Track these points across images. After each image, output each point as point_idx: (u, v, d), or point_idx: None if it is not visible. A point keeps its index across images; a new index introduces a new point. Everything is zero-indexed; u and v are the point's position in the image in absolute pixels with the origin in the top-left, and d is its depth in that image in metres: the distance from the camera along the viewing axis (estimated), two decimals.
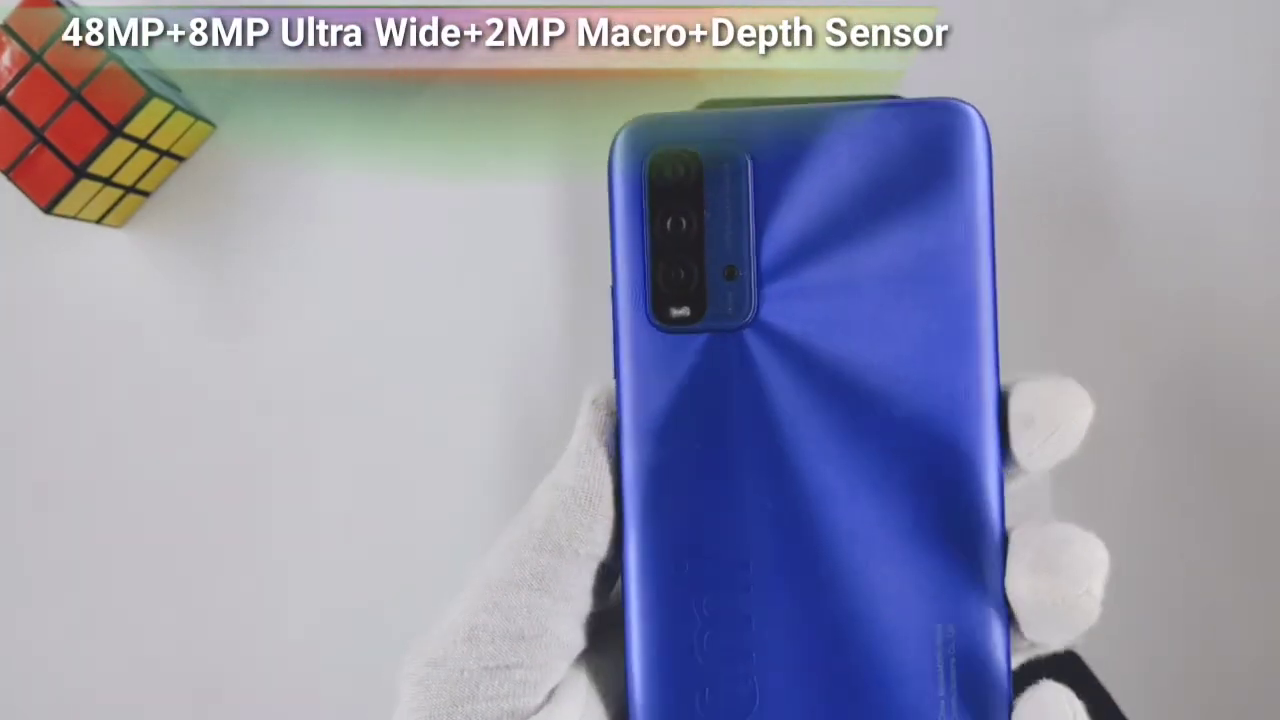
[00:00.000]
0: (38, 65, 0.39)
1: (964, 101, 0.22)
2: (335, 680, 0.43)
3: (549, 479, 0.20)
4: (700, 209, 0.21)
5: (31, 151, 0.39)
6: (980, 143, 0.21)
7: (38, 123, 0.39)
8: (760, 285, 0.20)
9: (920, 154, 0.21)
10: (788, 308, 0.20)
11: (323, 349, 0.44)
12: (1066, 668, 0.31)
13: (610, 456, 0.20)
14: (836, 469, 0.20)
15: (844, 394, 0.20)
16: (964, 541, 0.20)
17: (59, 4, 0.39)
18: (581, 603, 0.20)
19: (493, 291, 0.43)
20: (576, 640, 0.20)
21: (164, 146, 0.42)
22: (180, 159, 0.44)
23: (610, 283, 0.21)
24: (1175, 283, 0.43)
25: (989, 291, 0.20)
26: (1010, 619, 0.20)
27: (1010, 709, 0.20)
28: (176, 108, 0.41)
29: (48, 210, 0.40)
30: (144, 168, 0.42)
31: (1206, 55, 0.44)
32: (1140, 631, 0.43)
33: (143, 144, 0.41)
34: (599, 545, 0.20)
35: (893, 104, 0.21)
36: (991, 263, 0.20)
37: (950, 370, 0.20)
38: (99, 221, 0.43)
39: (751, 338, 0.20)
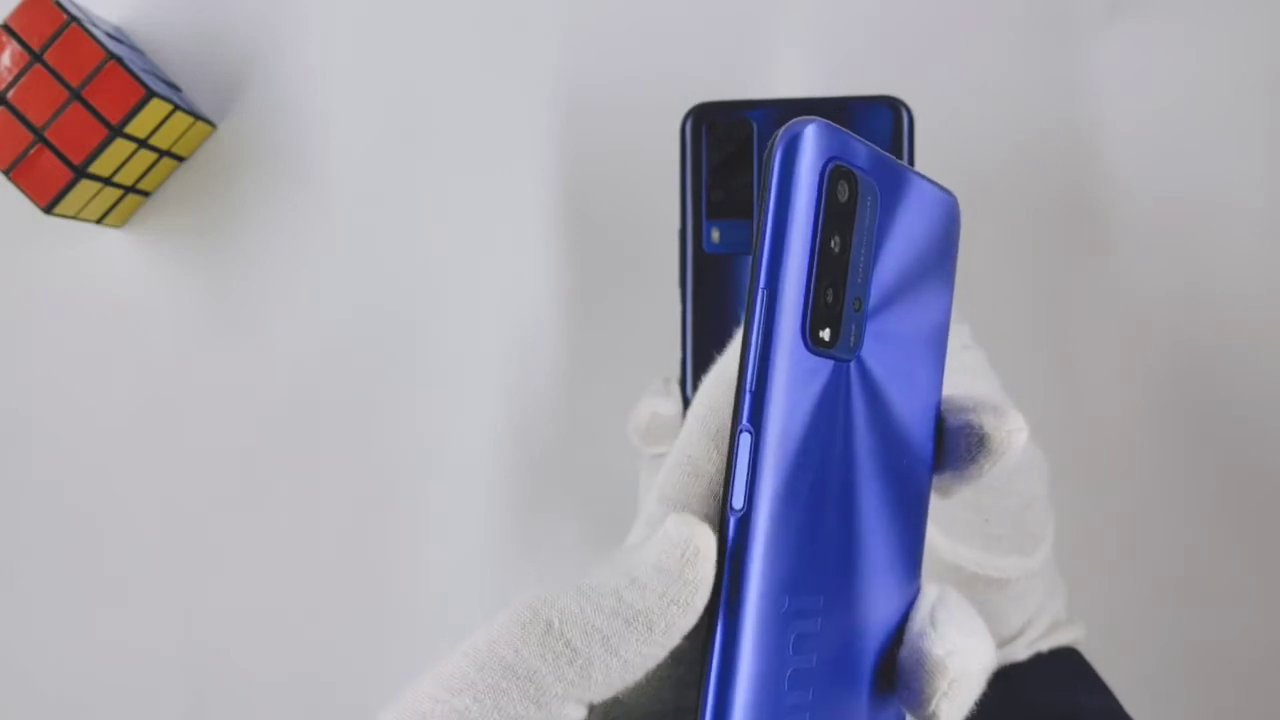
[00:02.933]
0: (38, 65, 0.39)
1: (952, 195, 0.23)
2: (335, 680, 0.43)
3: (630, 613, 0.18)
4: (850, 234, 0.20)
5: (31, 151, 0.39)
6: (957, 240, 0.23)
7: (38, 123, 0.39)
8: (866, 320, 0.20)
9: (944, 231, 0.22)
10: (875, 348, 0.21)
11: (322, 348, 0.44)
12: (1068, 665, 0.31)
13: (703, 609, 0.18)
14: (876, 505, 0.21)
15: (885, 437, 0.21)
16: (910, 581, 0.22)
17: (59, 4, 0.39)
18: (602, 693, 0.19)
19: (493, 291, 0.43)
20: (580, 719, 0.19)
21: (164, 146, 0.42)
22: (180, 159, 0.44)
23: (756, 290, 0.20)
24: (1174, 281, 0.43)
25: (942, 372, 0.22)
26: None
27: None
28: (176, 108, 0.41)
29: (48, 210, 0.40)
30: (144, 168, 0.42)
31: (1206, 55, 0.44)
32: (1140, 630, 0.43)
33: (143, 144, 0.41)
34: (655, 664, 0.19)
35: (924, 180, 0.22)
36: (944, 351, 0.22)
37: (926, 426, 0.22)
38: (99, 221, 0.43)
39: (854, 371, 0.20)
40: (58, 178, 0.39)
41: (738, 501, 0.19)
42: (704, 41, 0.44)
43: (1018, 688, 0.30)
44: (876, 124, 0.34)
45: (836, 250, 0.20)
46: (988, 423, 0.21)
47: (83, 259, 0.44)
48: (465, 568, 0.43)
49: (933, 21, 0.44)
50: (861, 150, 0.20)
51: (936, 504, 0.30)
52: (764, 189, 0.20)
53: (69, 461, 0.44)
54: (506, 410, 0.43)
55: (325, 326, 0.44)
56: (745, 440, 0.19)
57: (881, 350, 0.21)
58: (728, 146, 0.35)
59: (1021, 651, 0.30)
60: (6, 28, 0.39)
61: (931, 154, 0.42)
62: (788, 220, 0.19)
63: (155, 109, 0.40)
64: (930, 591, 0.21)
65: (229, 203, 0.44)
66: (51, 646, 0.44)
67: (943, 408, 0.22)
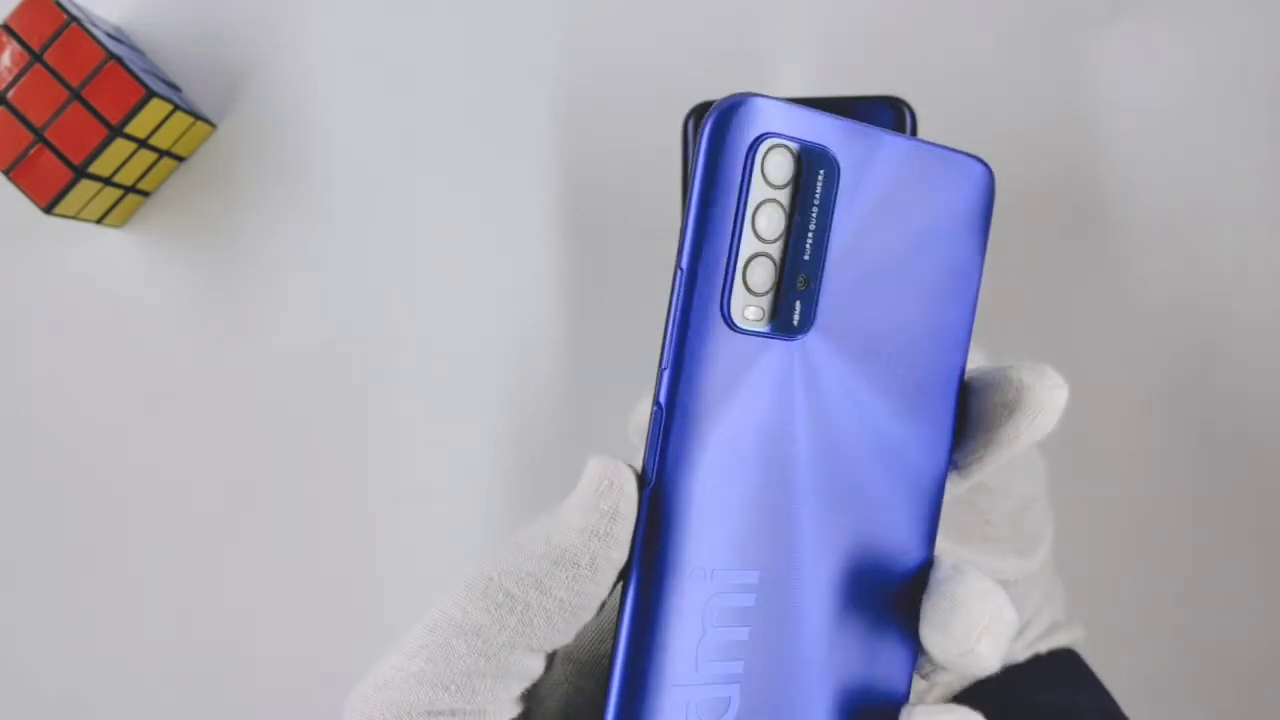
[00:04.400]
0: (38, 65, 0.39)
1: (983, 161, 0.22)
2: (335, 680, 0.43)
3: (556, 552, 0.19)
4: (792, 212, 0.20)
5: (31, 151, 0.39)
6: (988, 206, 0.22)
7: (38, 123, 0.39)
8: (818, 295, 0.20)
9: (966, 198, 0.21)
10: (845, 324, 0.20)
11: (321, 348, 0.44)
12: (1067, 667, 0.31)
13: (627, 543, 0.19)
14: (850, 482, 0.20)
15: (858, 413, 0.20)
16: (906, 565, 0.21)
17: (59, 4, 0.39)
18: (563, 641, 0.20)
19: (493, 291, 0.43)
20: (539, 668, 0.20)
21: (164, 146, 0.42)
22: (180, 159, 0.44)
23: (677, 266, 0.20)
24: (1175, 281, 0.43)
25: (966, 344, 0.21)
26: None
27: None
28: (176, 108, 0.41)
29: (48, 210, 0.40)
30: (144, 168, 0.42)
31: (1207, 54, 0.44)
32: (1140, 631, 0.43)
33: (143, 144, 0.41)
34: (593, 601, 0.19)
35: (945, 151, 0.21)
36: (972, 319, 0.22)
37: (931, 413, 0.21)
38: (99, 221, 0.43)
39: (807, 348, 0.20)
40: (58, 178, 0.39)
41: (649, 475, 0.19)
42: (704, 41, 0.44)
43: (1016, 689, 0.30)
44: (879, 123, 0.34)
45: (771, 228, 0.19)
46: (1026, 377, 0.21)
47: (83, 259, 0.44)
48: (466, 567, 0.43)
49: (933, 21, 0.44)
50: (816, 126, 0.19)
51: None
52: (691, 166, 0.19)
53: (69, 461, 0.44)
54: (506, 410, 0.43)
55: (325, 326, 0.44)
56: (657, 416, 0.19)
57: (857, 326, 0.20)
58: None
59: (1020, 653, 0.30)
60: (6, 28, 0.39)
61: None
62: (707, 199, 0.19)
63: (155, 109, 0.40)
64: (946, 559, 0.21)
65: (229, 202, 0.44)
66: (51, 646, 0.44)
67: (972, 373, 0.21)
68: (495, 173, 0.43)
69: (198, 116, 0.43)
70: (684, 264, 0.19)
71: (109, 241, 0.44)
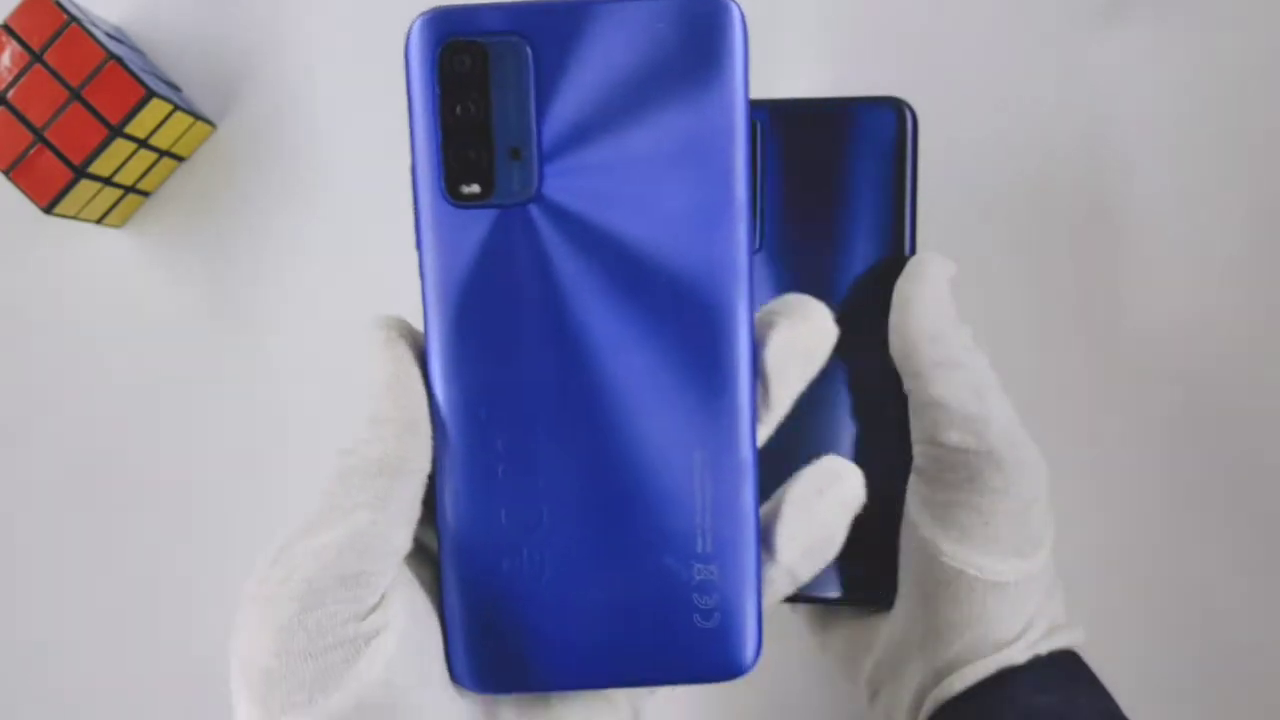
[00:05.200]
0: (38, 65, 0.39)
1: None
2: None
3: (370, 413, 0.23)
4: (487, 95, 0.23)
5: (31, 151, 0.39)
6: (738, 34, 0.23)
7: (38, 123, 0.39)
8: (542, 164, 0.23)
9: (685, 44, 0.23)
10: (567, 184, 0.23)
11: (322, 348, 0.44)
12: (1066, 668, 0.31)
13: (422, 381, 0.24)
14: (611, 326, 0.23)
15: (617, 260, 0.23)
16: (717, 383, 0.24)
17: (59, 4, 0.39)
18: (413, 512, 0.23)
19: None
20: (406, 543, 0.23)
21: (164, 146, 0.42)
22: (180, 159, 0.44)
23: (410, 170, 0.23)
24: (1177, 282, 0.43)
25: (744, 169, 0.23)
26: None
27: (757, 521, 0.24)
28: (176, 108, 0.41)
29: (48, 210, 0.40)
30: (144, 168, 0.42)
31: (1207, 54, 0.43)
32: (1140, 632, 0.43)
33: (143, 144, 0.41)
34: (426, 461, 0.23)
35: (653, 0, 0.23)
36: (747, 144, 0.23)
37: (709, 239, 0.23)
38: (99, 221, 0.43)
39: (535, 212, 0.23)
40: (58, 178, 0.39)
41: (427, 344, 0.24)
42: None
43: (1015, 690, 0.30)
44: (880, 124, 0.34)
45: (470, 113, 0.23)
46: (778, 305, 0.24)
47: (83, 259, 0.44)
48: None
49: (933, 21, 0.44)
50: (496, 18, 0.23)
51: (936, 507, 0.30)
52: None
53: (69, 461, 0.44)
54: None
55: (326, 326, 0.44)
56: (411, 350, 0.24)
57: (584, 180, 0.23)
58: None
59: (1019, 654, 0.30)
60: (6, 28, 0.39)
61: (932, 154, 0.42)
62: (410, 103, 0.23)
63: (155, 109, 0.40)
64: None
65: (229, 203, 0.44)
66: (51, 646, 0.44)
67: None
68: None
69: (198, 116, 0.43)
70: (411, 162, 0.23)
71: (109, 241, 0.44)
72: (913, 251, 0.33)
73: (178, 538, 0.44)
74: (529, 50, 0.23)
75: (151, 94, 0.39)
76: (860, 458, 0.34)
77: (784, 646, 0.43)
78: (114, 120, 0.39)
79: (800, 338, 0.24)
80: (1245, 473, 0.43)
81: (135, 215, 0.44)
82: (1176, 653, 0.43)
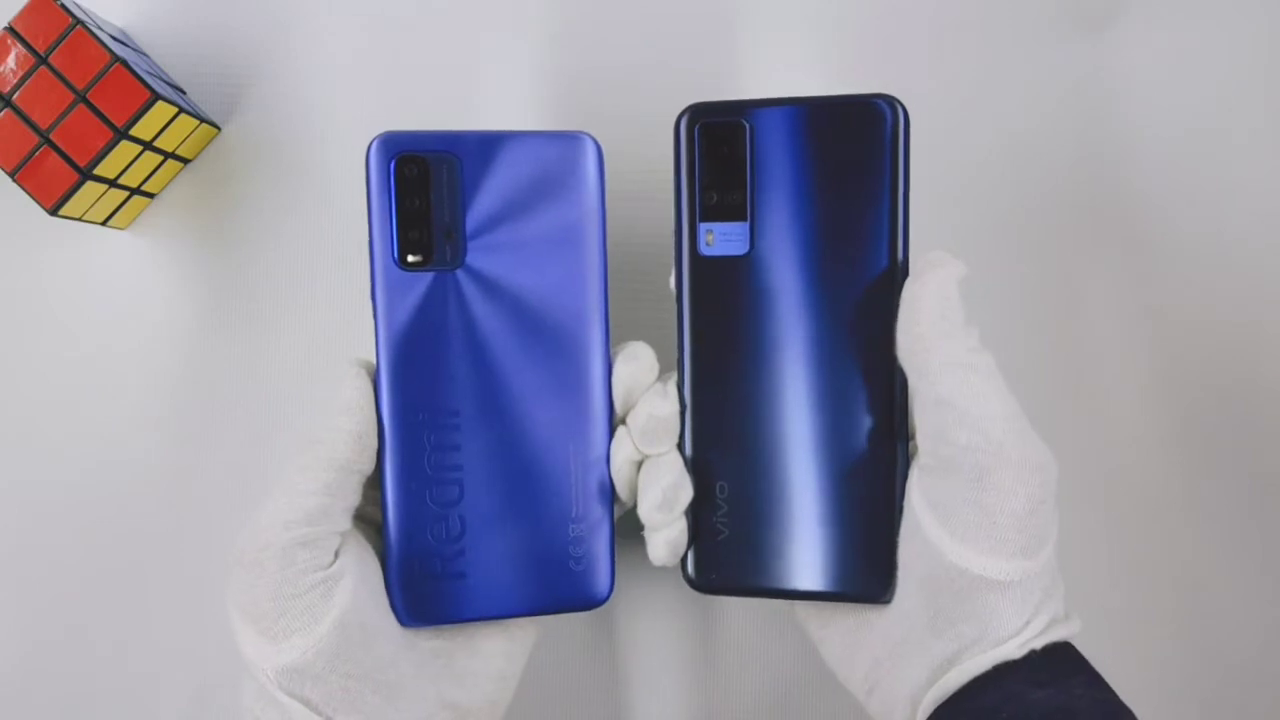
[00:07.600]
0: (43, 68, 0.39)
1: (586, 134, 0.34)
2: None
3: (334, 425, 0.32)
4: (428, 193, 0.33)
5: (37, 153, 0.39)
6: (594, 160, 0.34)
7: (43, 125, 0.39)
8: (467, 242, 0.33)
9: (562, 164, 0.34)
10: (484, 257, 0.34)
11: (326, 349, 0.44)
12: (1061, 660, 0.30)
13: (374, 405, 0.33)
14: (512, 357, 0.34)
15: (517, 311, 0.34)
16: (581, 399, 0.34)
17: (64, 7, 0.39)
18: (354, 500, 0.33)
19: None
20: (348, 519, 0.32)
21: (169, 149, 0.42)
22: (185, 161, 0.44)
23: (368, 244, 0.33)
24: (1183, 282, 0.43)
25: (600, 248, 0.34)
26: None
27: (609, 494, 0.35)
28: (181, 110, 0.41)
29: (53, 212, 0.40)
30: (149, 170, 0.42)
31: (1207, 54, 0.43)
32: (1139, 632, 0.43)
33: (148, 146, 0.41)
34: (368, 464, 0.33)
35: (542, 135, 0.34)
36: (602, 231, 0.34)
37: (577, 297, 0.34)
38: (104, 223, 0.43)
39: (461, 276, 0.34)
40: (63, 179, 0.39)
41: (378, 360, 0.34)
42: (703, 41, 0.44)
43: (1012, 685, 0.29)
44: (871, 122, 0.34)
45: (417, 205, 0.33)
46: None
47: (88, 260, 0.44)
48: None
49: (932, 22, 0.44)
50: (431, 140, 0.33)
51: (941, 507, 0.30)
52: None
53: (71, 462, 0.44)
54: None
55: (328, 327, 0.44)
56: (369, 384, 0.34)
57: (496, 255, 0.34)
58: (722, 148, 0.35)
59: (1016, 651, 0.30)
60: (11, 30, 0.39)
61: (933, 153, 0.42)
62: (370, 197, 0.33)
63: (160, 111, 0.40)
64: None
65: (234, 205, 0.44)
66: (52, 646, 0.44)
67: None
68: None
69: (203, 119, 0.43)
70: (369, 238, 0.33)
71: (114, 243, 0.44)
72: (905, 247, 0.33)
73: (180, 538, 0.44)
74: (460, 163, 0.33)
75: (157, 96, 0.40)
76: (859, 457, 0.34)
77: (784, 645, 0.43)
78: (119, 123, 0.39)
79: (630, 374, 0.34)
80: (1252, 474, 0.43)
81: (140, 217, 0.45)
82: (1177, 653, 0.43)
